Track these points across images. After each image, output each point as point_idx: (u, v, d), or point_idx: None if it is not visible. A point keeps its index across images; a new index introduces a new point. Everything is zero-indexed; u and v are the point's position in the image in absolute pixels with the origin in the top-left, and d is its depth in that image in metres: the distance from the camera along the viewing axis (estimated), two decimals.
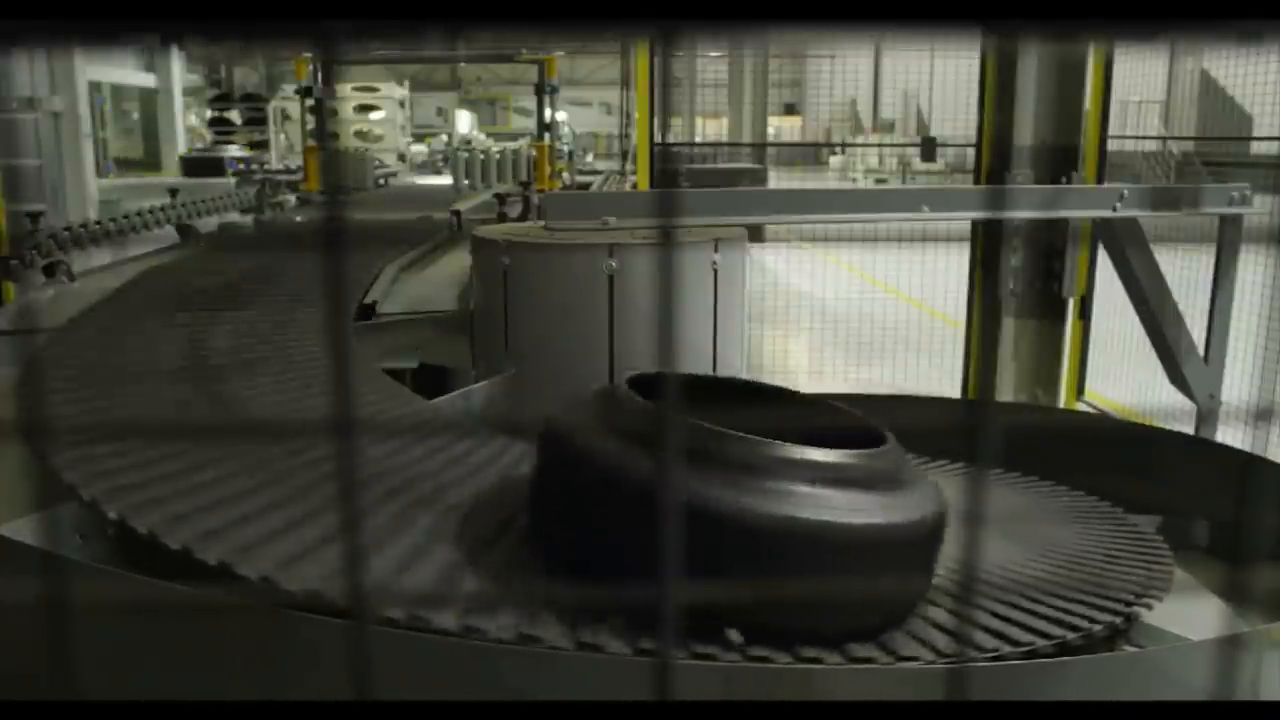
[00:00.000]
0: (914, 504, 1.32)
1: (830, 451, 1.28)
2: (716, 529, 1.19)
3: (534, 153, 9.72)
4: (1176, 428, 2.98)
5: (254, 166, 12.56)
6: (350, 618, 1.02)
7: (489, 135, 20.10)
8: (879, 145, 20.88)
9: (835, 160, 21.52)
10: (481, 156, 10.04)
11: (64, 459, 1.52)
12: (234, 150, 15.84)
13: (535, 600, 1.25)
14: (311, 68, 8.76)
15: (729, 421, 1.27)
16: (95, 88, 13.88)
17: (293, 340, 2.45)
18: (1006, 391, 4.57)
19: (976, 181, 4.73)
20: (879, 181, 18.04)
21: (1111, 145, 4.80)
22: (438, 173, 13.94)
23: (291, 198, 8.14)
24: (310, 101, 9.00)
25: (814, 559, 1.25)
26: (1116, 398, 5.21)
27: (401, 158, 14.86)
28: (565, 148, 13.56)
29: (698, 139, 17.25)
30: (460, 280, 3.70)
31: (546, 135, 9.59)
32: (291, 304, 2.88)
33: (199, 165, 15.31)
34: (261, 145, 16.68)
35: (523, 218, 6.06)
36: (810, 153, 22.75)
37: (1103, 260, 4.33)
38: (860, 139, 22.81)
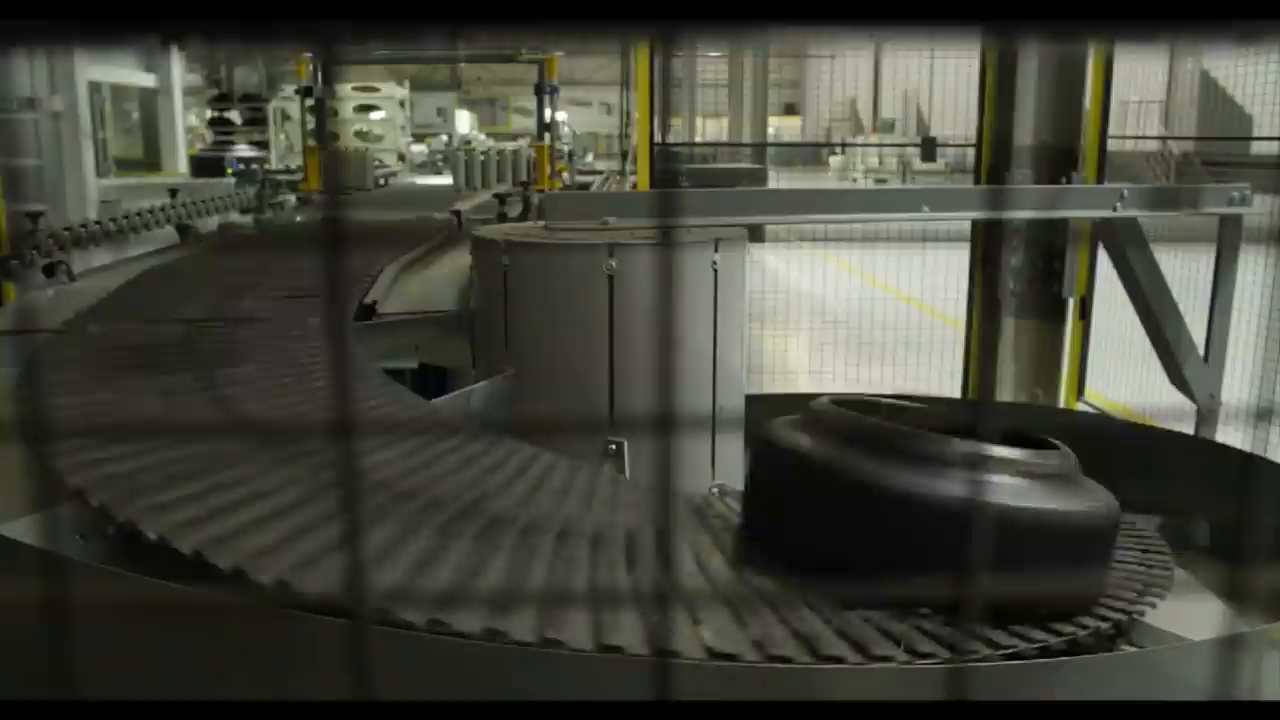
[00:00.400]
0: (1096, 496, 1.51)
1: (1028, 450, 1.47)
2: (950, 520, 1.34)
3: (534, 153, 9.72)
4: (1176, 428, 2.98)
5: (254, 166, 12.56)
6: (355, 618, 1.03)
7: (489, 135, 20.10)
8: (879, 145, 20.87)
9: (835, 160, 21.52)
10: (481, 157, 10.04)
11: (67, 461, 1.52)
12: (242, 149, 15.78)
13: (803, 599, 1.37)
14: (311, 68, 8.76)
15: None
16: (95, 88, 13.87)
17: (294, 340, 2.45)
18: (1006, 391, 4.57)
19: (976, 181, 4.73)
20: (879, 181, 18.04)
21: (1111, 145, 4.80)
22: (438, 173, 13.94)
23: (291, 198, 8.14)
24: (310, 101, 9.00)
25: (1025, 544, 1.41)
26: (1116, 398, 5.21)
27: (401, 158, 14.86)
28: (565, 148, 13.56)
29: (698, 139, 17.25)
30: (460, 280, 3.69)
31: (546, 135, 9.59)
32: (293, 303, 2.89)
33: (207, 165, 15.28)
34: (261, 145, 16.67)
35: (523, 218, 6.05)
36: (810, 153, 22.75)
37: (1103, 260, 4.33)
38: (860, 139, 22.81)
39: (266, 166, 12.43)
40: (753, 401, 2.70)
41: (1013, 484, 1.41)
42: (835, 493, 1.45)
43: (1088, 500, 1.48)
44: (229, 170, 13.42)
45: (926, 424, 1.53)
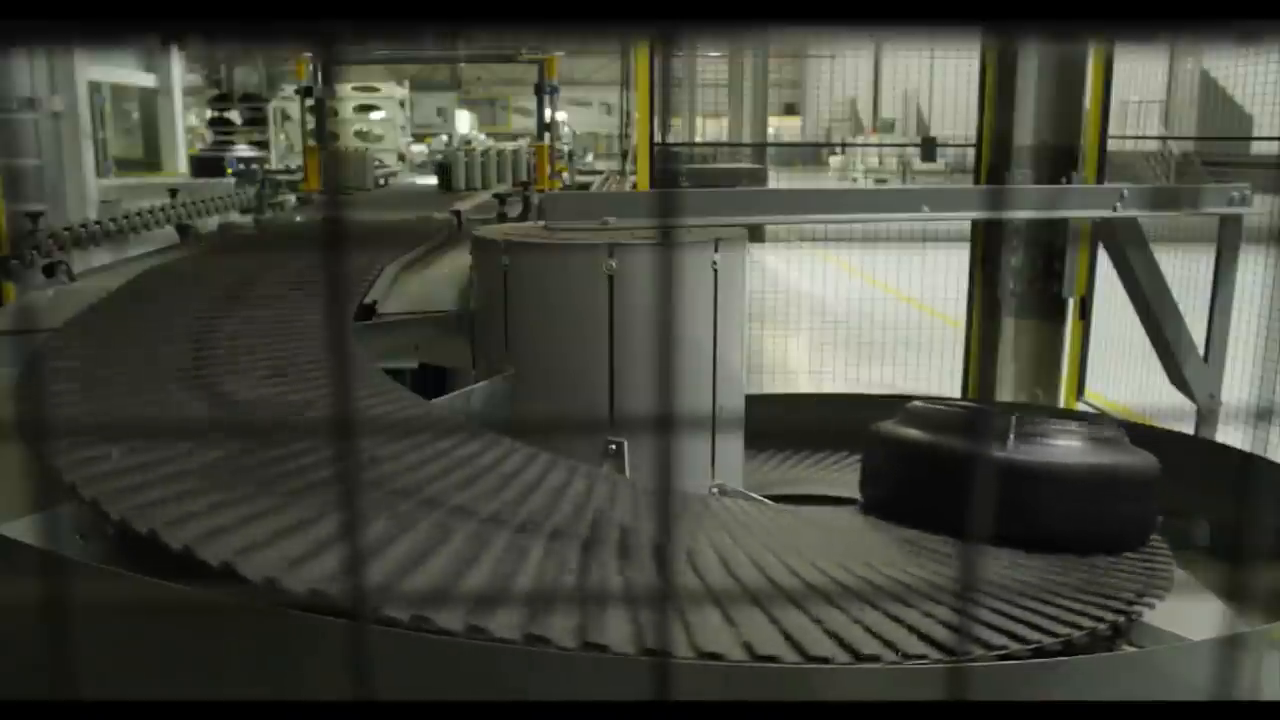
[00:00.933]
0: (1144, 455, 1.98)
1: (1090, 424, 2.03)
2: (1035, 477, 1.86)
3: (534, 153, 9.72)
4: (1176, 428, 2.98)
5: (254, 166, 12.55)
6: (350, 617, 1.03)
7: (489, 135, 20.09)
8: (879, 145, 20.87)
9: (835, 160, 21.52)
10: (481, 157, 10.04)
11: (65, 459, 1.52)
12: (242, 149, 15.72)
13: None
14: (311, 68, 8.76)
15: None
16: (95, 88, 13.87)
17: (294, 339, 2.45)
18: (1006, 391, 4.57)
19: (976, 181, 4.73)
20: (879, 181, 18.04)
21: (1111, 145, 4.80)
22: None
23: (291, 198, 8.14)
24: (310, 101, 9.00)
25: (1097, 490, 1.91)
26: (1116, 398, 5.21)
27: (401, 158, 14.85)
28: (565, 148, 13.55)
29: (698, 139, 17.25)
30: (460, 280, 3.69)
31: (546, 135, 9.59)
32: (293, 303, 2.88)
33: (207, 165, 15.23)
34: (261, 145, 16.66)
35: (523, 218, 6.05)
36: (810, 153, 22.75)
37: (1103, 260, 4.32)
38: (860, 139, 22.80)
39: (266, 166, 12.42)
40: (753, 401, 2.70)
41: (1081, 446, 1.91)
42: (947, 466, 1.88)
43: (1138, 457, 1.97)
44: (229, 170, 13.41)
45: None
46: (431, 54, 13.92)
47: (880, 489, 2.14)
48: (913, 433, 2.04)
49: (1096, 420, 2.13)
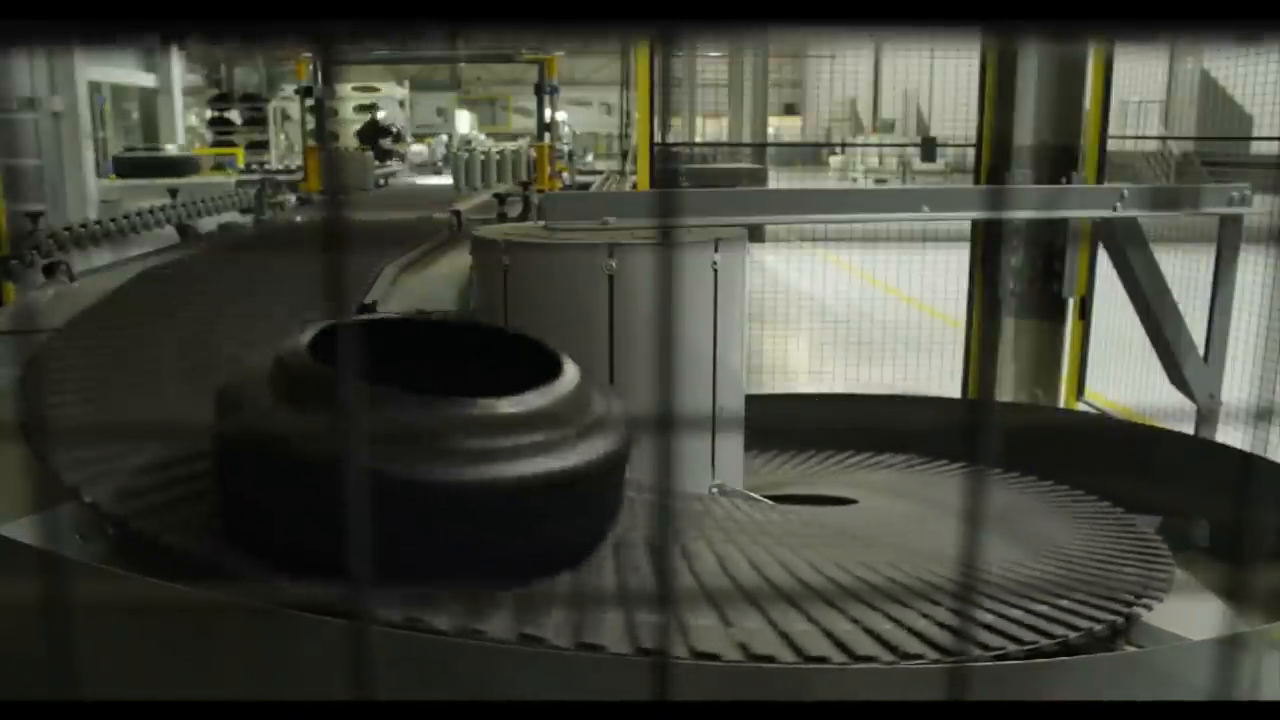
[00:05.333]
0: (587, 448, 1.30)
1: (493, 401, 1.27)
2: (386, 497, 1.14)
3: (534, 153, 9.72)
4: (1176, 428, 2.98)
5: (253, 166, 12.56)
6: (349, 618, 1.02)
7: (489, 135, 20.08)
8: (879, 145, 20.86)
9: (835, 160, 21.51)
10: (482, 157, 10.04)
11: (64, 459, 1.52)
12: (171, 149, 15.40)
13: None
14: (311, 68, 8.75)
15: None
16: (95, 88, 13.87)
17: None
18: (1006, 391, 4.57)
19: (976, 181, 4.73)
20: (879, 181, 18.03)
21: (1111, 145, 4.80)
22: (438, 173, 13.93)
23: (291, 198, 8.14)
24: (310, 101, 9.00)
25: (478, 514, 1.25)
26: (1116, 398, 5.21)
27: (401, 157, 14.86)
28: (565, 148, 13.54)
29: (698, 139, 17.24)
30: (460, 280, 3.69)
31: (546, 135, 9.59)
32: (293, 303, 2.88)
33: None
34: (261, 145, 16.66)
35: (523, 218, 6.05)
36: (810, 153, 22.74)
37: (1103, 260, 4.32)
38: (860, 139, 22.79)
39: (266, 166, 12.42)
40: (753, 401, 2.70)
41: (472, 447, 1.23)
42: (265, 461, 1.29)
43: (578, 448, 1.28)
44: (229, 171, 13.41)
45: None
46: (431, 54, 13.92)
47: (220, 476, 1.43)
48: (252, 401, 1.34)
49: (555, 359, 1.43)
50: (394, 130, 13.05)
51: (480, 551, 1.25)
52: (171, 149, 14.32)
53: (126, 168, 12.33)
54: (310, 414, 1.22)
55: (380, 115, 14.66)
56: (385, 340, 1.43)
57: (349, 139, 13.89)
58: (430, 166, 14.44)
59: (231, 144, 16.97)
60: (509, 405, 1.27)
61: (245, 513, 1.33)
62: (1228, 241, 3.64)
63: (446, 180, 10.46)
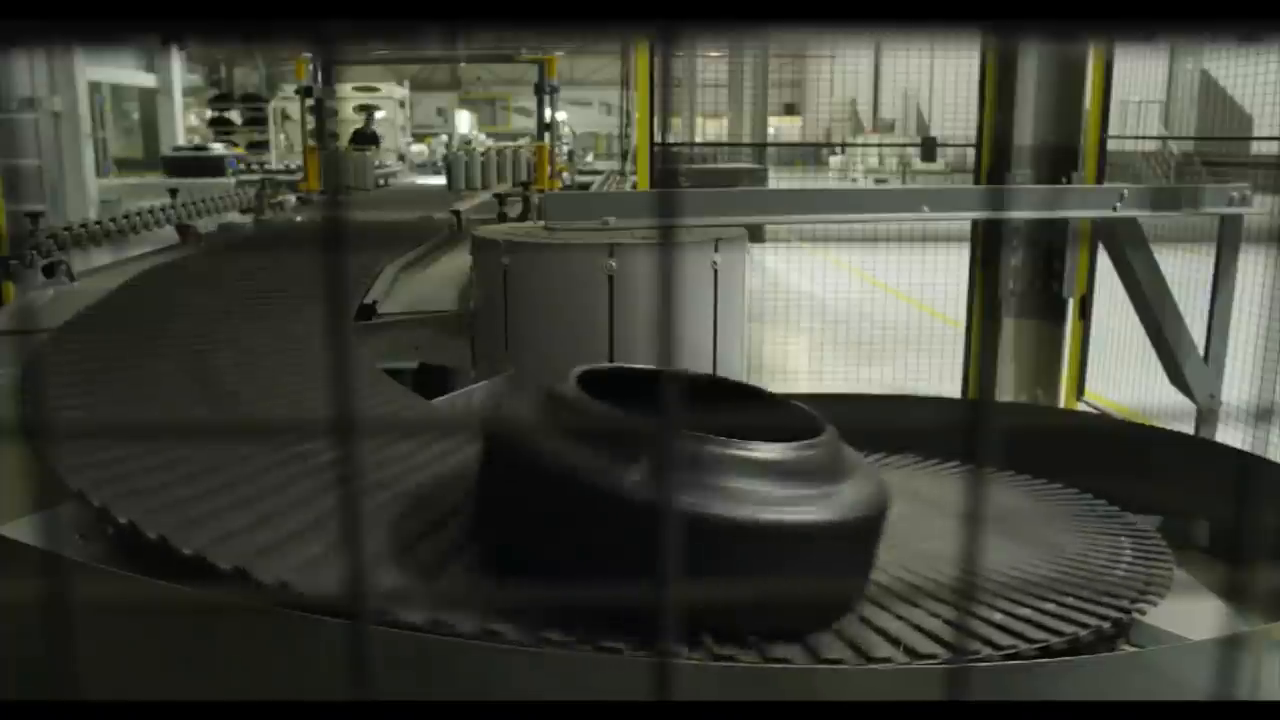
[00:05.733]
0: (849, 500, 1.32)
1: (766, 446, 1.30)
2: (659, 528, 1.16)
3: (534, 153, 9.72)
4: (1176, 428, 2.98)
5: (254, 165, 12.57)
6: (349, 617, 1.02)
7: (489, 135, 20.08)
8: (879, 145, 20.86)
9: (835, 160, 21.51)
10: (481, 157, 10.04)
11: (68, 462, 1.52)
12: (218, 148, 15.67)
13: (480, 599, 1.26)
14: (311, 68, 8.76)
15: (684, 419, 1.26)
16: (95, 88, 13.88)
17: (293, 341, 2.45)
18: (1006, 391, 4.57)
19: (976, 181, 4.73)
20: (879, 181, 18.03)
21: (1111, 145, 4.80)
22: (438, 173, 13.94)
23: (291, 198, 8.14)
24: (310, 101, 9.00)
25: (747, 555, 1.26)
26: (1116, 398, 5.21)
27: (401, 158, 14.85)
28: (565, 148, 13.54)
29: (698, 139, 17.24)
30: (460, 280, 3.70)
31: (546, 135, 9.59)
32: (293, 303, 2.88)
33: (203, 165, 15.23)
34: (261, 145, 16.66)
35: (523, 218, 6.05)
36: (810, 153, 22.73)
37: (1103, 260, 4.32)
38: (860, 139, 22.79)
39: (266, 166, 12.42)
40: None
41: (741, 488, 1.25)
42: (542, 489, 1.31)
43: (839, 499, 1.31)
44: (229, 171, 13.43)
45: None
46: (431, 54, 13.92)
47: (483, 505, 1.48)
48: (519, 430, 1.38)
49: (818, 422, 1.40)
50: (378, 136, 13.14)
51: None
52: (218, 148, 14.82)
53: (175, 166, 12.54)
54: (592, 448, 1.26)
55: (379, 115, 14.66)
56: (626, 386, 1.44)
57: (349, 138, 13.90)
58: (431, 167, 14.46)
59: (232, 144, 16.99)
60: (790, 452, 1.30)
61: (520, 539, 1.36)
62: (1228, 241, 3.64)
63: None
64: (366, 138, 12.79)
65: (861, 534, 1.34)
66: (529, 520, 1.33)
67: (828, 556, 1.31)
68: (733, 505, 1.23)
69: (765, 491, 1.25)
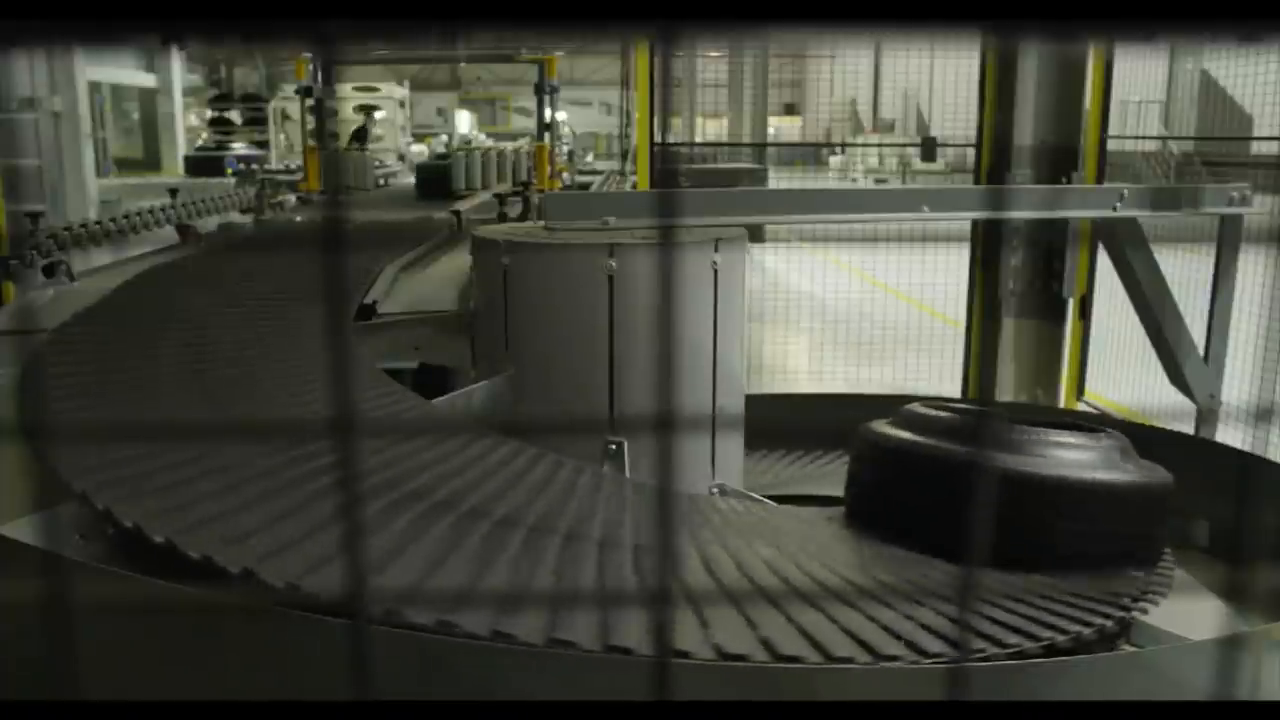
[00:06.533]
0: (1155, 469, 1.85)
1: (1075, 434, 1.84)
2: (1031, 490, 1.72)
3: (534, 153, 9.72)
4: (1176, 428, 2.98)
5: (255, 166, 12.58)
6: (347, 617, 1.02)
7: (489, 135, 20.09)
8: (879, 145, 20.86)
9: (835, 160, 21.51)
10: (481, 157, 10.04)
11: (69, 464, 1.52)
12: (239, 148, 15.83)
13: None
14: (311, 68, 8.76)
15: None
16: (95, 88, 13.89)
17: (292, 340, 2.45)
18: (1006, 391, 4.57)
19: (976, 181, 4.73)
20: (879, 181, 18.03)
21: (1111, 145, 4.80)
22: None
23: (291, 198, 8.14)
24: (310, 101, 9.01)
25: (1096, 508, 1.76)
26: (1116, 398, 5.21)
27: (401, 158, 14.86)
28: (565, 148, 13.54)
29: (698, 139, 17.24)
30: (460, 280, 3.70)
31: (546, 135, 9.59)
32: (293, 303, 2.88)
33: (205, 164, 15.36)
34: (261, 145, 16.68)
35: (523, 218, 6.06)
36: (810, 153, 22.73)
37: (1103, 260, 4.32)
38: (860, 139, 22.80)
39: (266, 166, 12.43)
40: (753, 401, 2.70)
41: (1093, 459, 1.78)
42: (942, 474, 1.76)
43: (1152, 472, 1.82)
44: (229, 171, 13.44)
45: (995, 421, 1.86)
46: (431, 54, 13.93)
47: (864, 496, 2.01)
48: (905, 435, 1.89)
49: (1099, 427, 1.91)
50: (367, 133, 13.21)
51: (1108, 541, 1.76)
52: (239, 148, 15.02)
53: (197, 165, 12.62)
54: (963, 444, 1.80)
55: (379, 115, 14.67)
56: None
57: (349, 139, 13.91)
58: None
59: (255, 144, 17.04)
60: (1104, 440, 1.83)
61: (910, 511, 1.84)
62: (1228, 241, 3.64)
63: None
64: (358, 136, 12.83)
65: (1155, 495, 1.81)
66: (929, 502, 1.73)
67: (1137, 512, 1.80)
68: (1066, 470, 1.73)
69: (1083, 459, 1.77)
